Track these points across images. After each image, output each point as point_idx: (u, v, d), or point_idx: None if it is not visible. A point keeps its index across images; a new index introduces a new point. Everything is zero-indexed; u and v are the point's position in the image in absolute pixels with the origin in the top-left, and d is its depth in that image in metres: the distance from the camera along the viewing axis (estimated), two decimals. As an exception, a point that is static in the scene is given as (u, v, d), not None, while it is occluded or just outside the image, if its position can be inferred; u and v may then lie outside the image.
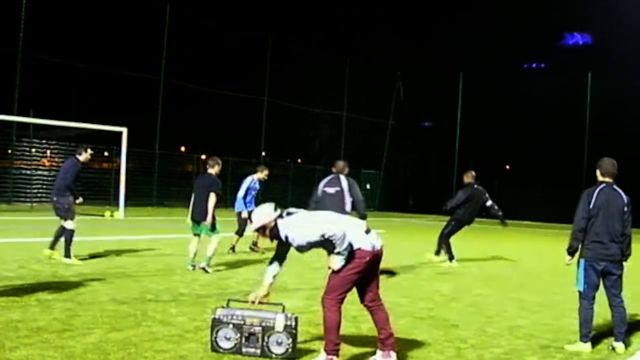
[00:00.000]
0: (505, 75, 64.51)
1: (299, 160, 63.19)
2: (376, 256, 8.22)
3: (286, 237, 8.11)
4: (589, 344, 9.60)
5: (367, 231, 8.22)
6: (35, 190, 39.29)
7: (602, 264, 9.58)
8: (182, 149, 58.19)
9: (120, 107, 49.61)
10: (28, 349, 7.89)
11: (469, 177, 20.02)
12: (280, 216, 8.19)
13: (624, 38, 68.01)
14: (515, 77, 67.83)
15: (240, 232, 19.64)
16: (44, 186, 39.69)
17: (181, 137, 58.70)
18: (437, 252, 19.69)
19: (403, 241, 27.79)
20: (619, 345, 9.66)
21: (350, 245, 7.97)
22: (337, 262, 7.95)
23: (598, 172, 9.94)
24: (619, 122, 53.64)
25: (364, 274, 8.16)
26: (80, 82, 50.08)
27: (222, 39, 53.07)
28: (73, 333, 8.80)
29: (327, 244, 7.99)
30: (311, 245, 8.09)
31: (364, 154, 61.44)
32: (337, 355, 8.06)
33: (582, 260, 9.69)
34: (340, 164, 15.12)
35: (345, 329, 9.91)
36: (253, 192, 19.98)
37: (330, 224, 7.97)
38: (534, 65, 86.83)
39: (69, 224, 15.85)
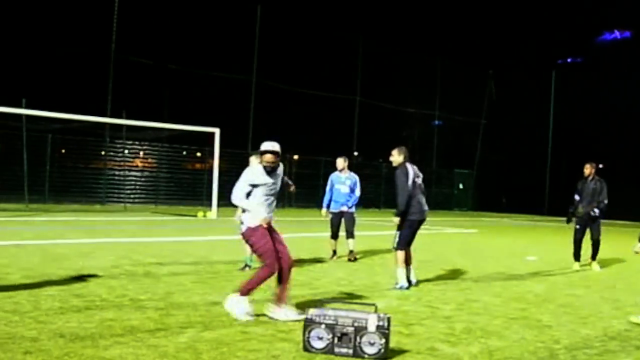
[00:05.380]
0: (601, 73, 63.37)
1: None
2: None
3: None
4: None
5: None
6: (128, 191, 39.96)
7: None
8: (275, 149, 58.50)
9: (212, 108, 50.03)
10: (122, 347, 7.93)
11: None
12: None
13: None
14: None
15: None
16: (137, 187, 40.32)
17: (273, 137, 58.65)
18: None
19: (496, 240, 27.52)
20: None
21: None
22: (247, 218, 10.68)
23: None
24: None
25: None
26: (173, 83, 50.69)
27: (314, 40, 53.20)
28: (166, 332, 8.84)
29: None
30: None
31: (456, 153, 61.22)
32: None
33: None
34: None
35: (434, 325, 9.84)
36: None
37: (244, 186, 11.07)
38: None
39: None
